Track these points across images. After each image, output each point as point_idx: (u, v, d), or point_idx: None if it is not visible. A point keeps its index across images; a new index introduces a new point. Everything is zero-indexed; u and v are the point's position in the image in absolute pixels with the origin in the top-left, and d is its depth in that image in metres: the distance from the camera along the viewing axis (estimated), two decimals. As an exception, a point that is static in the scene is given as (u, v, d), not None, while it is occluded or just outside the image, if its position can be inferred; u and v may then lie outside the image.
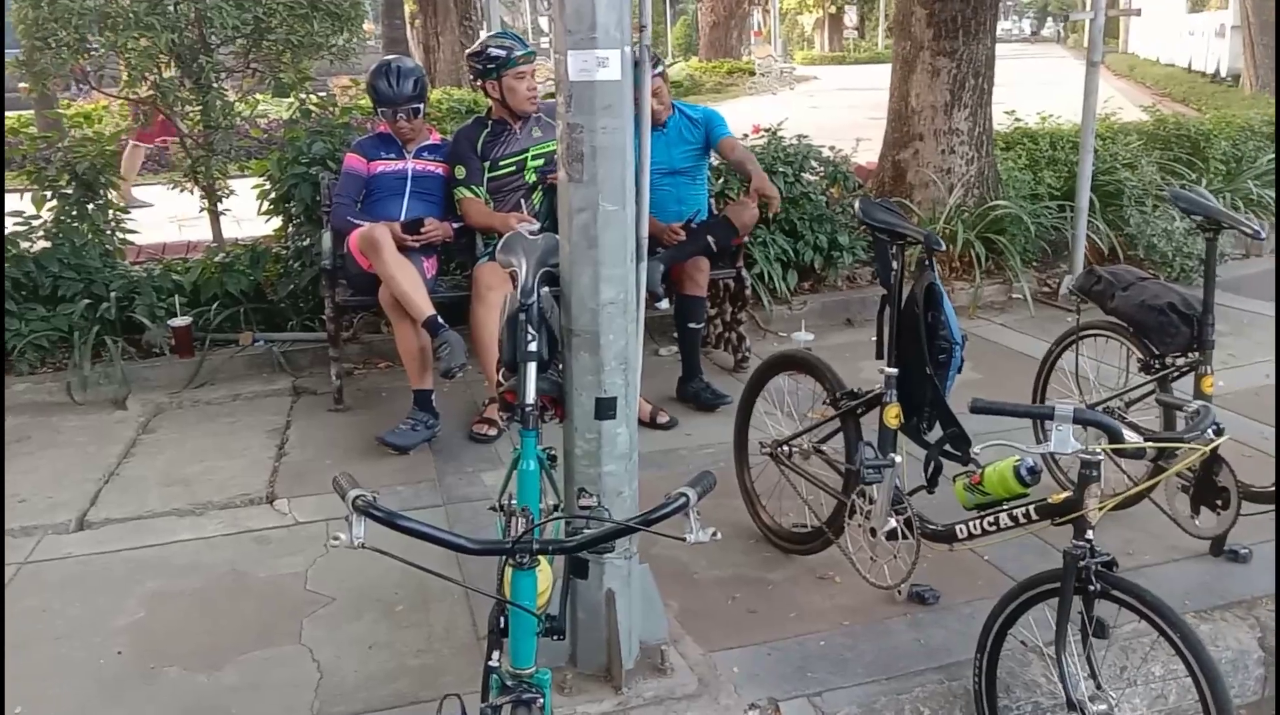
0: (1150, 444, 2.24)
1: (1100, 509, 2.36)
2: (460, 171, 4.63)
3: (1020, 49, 37.02)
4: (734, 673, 2.76)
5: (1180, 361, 3.28)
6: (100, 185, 5.52)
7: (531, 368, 2.51)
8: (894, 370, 2.95)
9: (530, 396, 2.51)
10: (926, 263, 2.86)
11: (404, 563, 1.80)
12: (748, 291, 5.10)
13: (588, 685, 2.65)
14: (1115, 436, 2.20)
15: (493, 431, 4.35)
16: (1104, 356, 3.71)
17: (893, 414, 2.93)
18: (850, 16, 38.05)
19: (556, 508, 2.75)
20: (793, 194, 5.83)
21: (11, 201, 5.46)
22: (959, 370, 2.96)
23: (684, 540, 1.80)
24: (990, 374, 5.11)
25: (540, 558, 2.00)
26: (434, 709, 2.14)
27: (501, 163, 4.59)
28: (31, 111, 6.48)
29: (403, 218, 4.52)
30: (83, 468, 4.20)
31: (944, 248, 2.88)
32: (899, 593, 3.06)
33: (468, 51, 4.74)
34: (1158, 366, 3.31)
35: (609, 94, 2.33)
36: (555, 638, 2.53)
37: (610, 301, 2.44)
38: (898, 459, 2.88)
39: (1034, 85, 15.60)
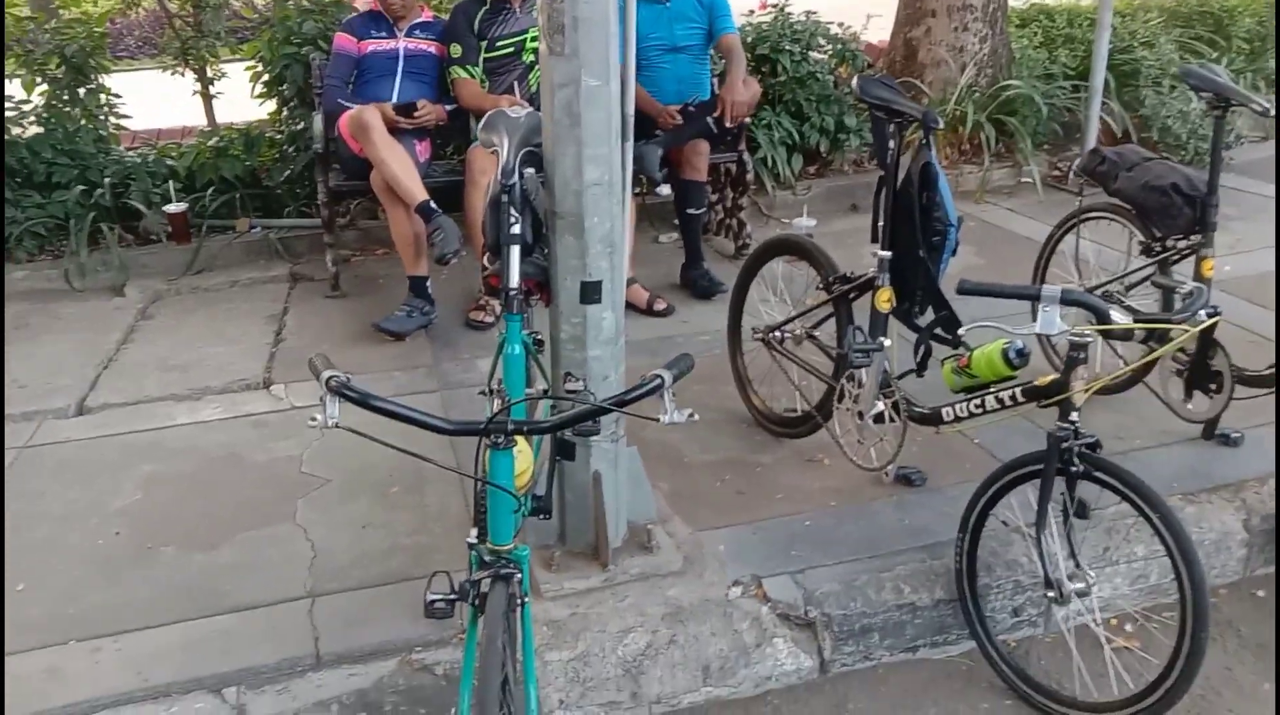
0: (1138, 325, 2.20)
1: (1086, 391, 2.35)
2: (455, 50, 4.50)
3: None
4: (720, 551, 2.80)
5: (1182, 244, 3.22)
6: (91, 69, 5.41)
7: (515, 251, 2.48)
8: (887, 253, 2.90)
9: (514, 280, 2.48)
10: (924, 141, 2.78)
11: (375, 441, 1.80)
12: (749, 176, 5.01)
13: (575, 563, 2.69)
14: (1103, 317, 2.18)
15: (489, 318, 4.34)
16: (1107, 240, 3.65)
17: (884, 298, 2.90)
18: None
19: (545, 392, 2.75)
20: (799, 73, 5.67)
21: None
22: (953, 253, 2.91)
23: (658, 421, 1.80)
24: (993, 259, 5.05)
25: (518, 439, 2.01)
26: (424, 585, 2.18)
27: (499, 43, 4.47)
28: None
29: (395, 99, 4.42)
30: (81, 353, 4.22)
31: (941, 125, 2.79)
32: (885, 475, 3.08)
33: None
34: (1158, 249, 3.26)
35: (590, -39, 2.23)
36: (542, 517, 2.58)
37: (595, 182, 2.39)
38: (886, 342, 2.86)
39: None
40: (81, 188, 5.09)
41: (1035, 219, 5.53)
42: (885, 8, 6.81)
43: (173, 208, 5.13)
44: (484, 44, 4.49)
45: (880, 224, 2.92)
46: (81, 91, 5.39)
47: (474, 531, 1.91)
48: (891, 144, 2.87)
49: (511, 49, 4.49)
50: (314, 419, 1.77)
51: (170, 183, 5.21)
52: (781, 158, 5.70)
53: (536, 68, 4.53)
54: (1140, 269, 3.36)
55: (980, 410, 2.61)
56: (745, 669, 2.56)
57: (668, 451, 3.33)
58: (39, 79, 5.30)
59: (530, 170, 2.50)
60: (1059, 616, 2.53)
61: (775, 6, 5.99)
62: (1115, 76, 6.06)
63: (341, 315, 4.55)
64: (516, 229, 2.44)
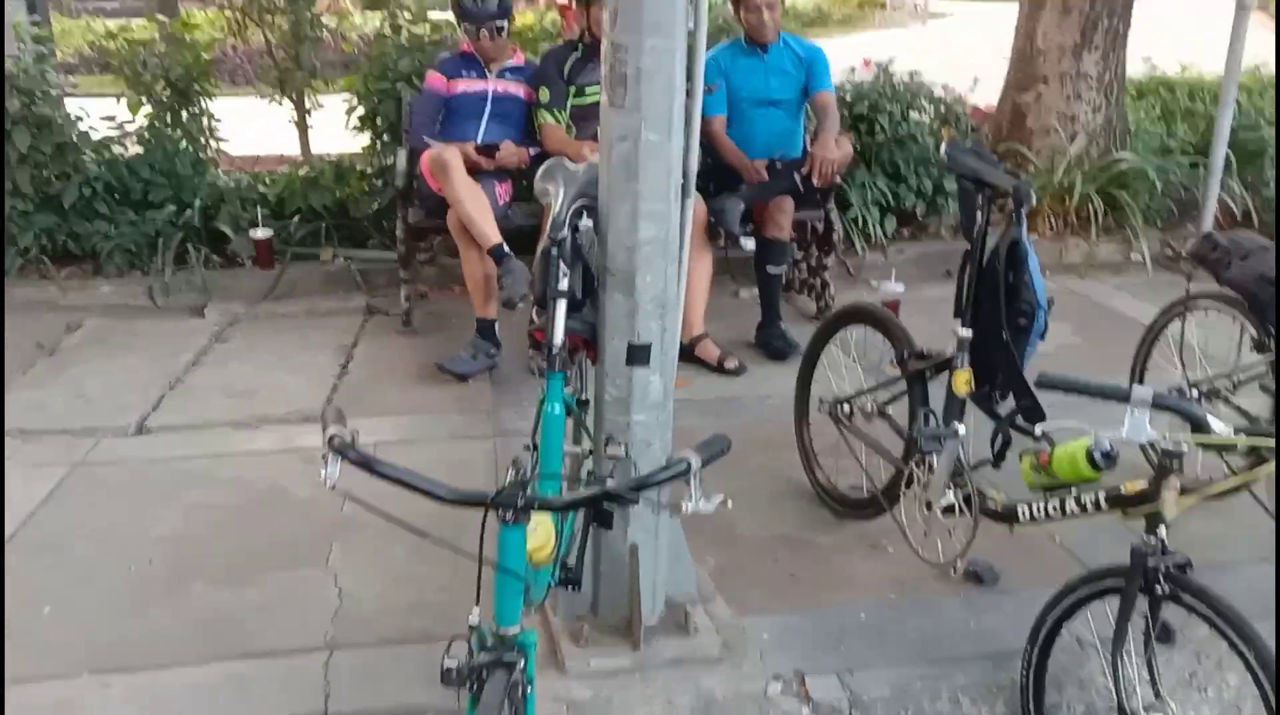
0: (1239, 439, 1.96)
1: (1180, 504, 2.11)
2: (544, 94, 4.47)
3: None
4: (763, 639, 2.61)
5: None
6: (195, 93, 5.54)
7: (561, 306, 2.36)
8: (967, 332, 2.70)
9: (558, 337, 2.36)
10: (1015, 216, 2.58)
11: (367, 507, 1.69)
12: (836, 236, 4.83)
13: (606, 639, 2.53)
14: (1199, 427, 1.95)
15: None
16: (1216, 330, 3.37)
17: (962, 380, 2.69)
18: (995, -49, 36.03)
19: (590, 454, 2.62)
20: (898, 134, 5.48)
21: (107, 105, 5.52)
22: (1042, 337, 2.70)
23: (682, 510, 1.65)
24: (1093, 339, 4.75)
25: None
26: (443, 647, 2.06)
27: (588, 89, 4.41)
28: (136, 20, 6.51)
29: (479, 139, 4.40)
30: (152, 372, 4.25)
31: (1034, 201, 2.59)
32: (954, 570, 2.84)
33: None
34: (1273, 346, 2.97)
35: (658, 10, 2.12)
36: (571, 588, 2.43)
37: (649, 240, 2.26)
38: (961, 429, 2.64)
39: (1191, 31, 14.50)
40: (173, 208, 5.18)
41: (1142, 299, 5.20)
42: (995, 71, 6.57)
43: (258, 233, 5.18)
44: (572, 90, 4.45)
45: (962, 301, 2.72)
46: (184, 114, 5.51)
47: (475, 611, 1.76)
48: (979, 216, 2.67)
49: (599, 96, 4.42)
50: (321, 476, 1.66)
51: (259, 208, 5.26)
52: (874, 218, 5.51)
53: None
54: (1251, 367, 3.08)
55: (1059, 513, 2.38)
56: (778, 774, 2.35)
57: (720, 523, 3.14)
58: (144, 100, 5.43)
59: (586, 222, 2.38)
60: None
61: (879, 65, 5.82)
62: (1237, 154, 5.71)
63: (410, 351, 4.51)
64: (564, 284, 2.32)
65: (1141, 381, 3.52)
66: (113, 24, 6.54)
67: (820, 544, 3.06)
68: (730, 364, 4.26)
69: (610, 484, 1.65)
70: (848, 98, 5.49)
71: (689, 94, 2.31)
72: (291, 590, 2.81)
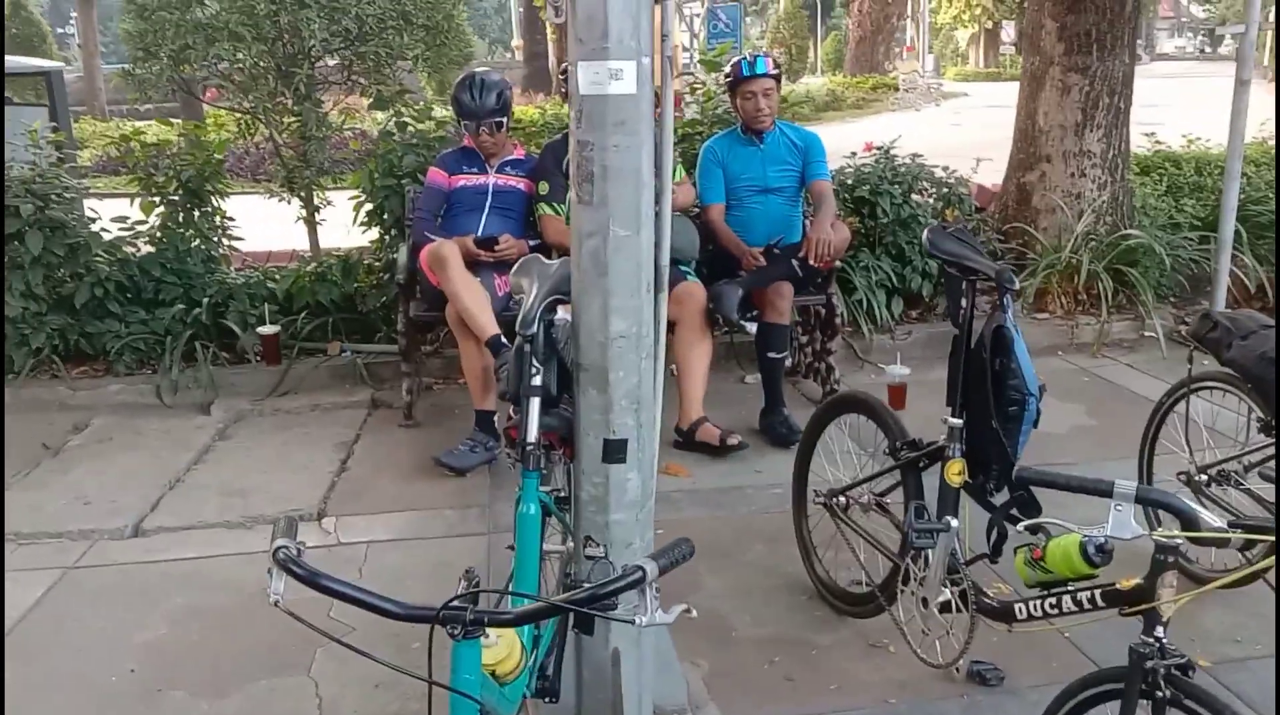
0: (1232, 533, 1.87)
1: (1176, 601, 2.01)
2: (544, 187, 4.51)
3: (1190, 68, 34.97)
4: (755, 750, 2.50)
5: (1312, 424, 2.84)
6: (207, 193, 5.64)
7: (534, 403, 2.33)
8: (958, 421, 2.63)
9: (532, 434, 2.32)
10: (999, 302, 2.53)
11: (312, 628, 1.63)
12: (838, 320, 4.79)
13: (589, 751, 2.43)
14: (1189, 523, 1.86)
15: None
16: (1226, 411, 3.27)
17: (955, 471, 2.61)
18: (1007, 32, 36.64)
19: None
20: (900, 216, 5.48)
21: (121, 207, 5.64)
22: (1034, 424, 2.62)
23: (632, 624, 1.57)
24: (1107, 420, 4.65)
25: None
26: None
27: None
28: (146, 123, 6.67)
29: (480, 232, 4.42)
30: (153, 472, 4.23)
31: (1017, 286, 2.54)
32: (957, 670, 2.73)
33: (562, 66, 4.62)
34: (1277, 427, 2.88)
35: (622, 109, 2.12)
36: (548, 700, 2.35)
37: (621, 335, 2.23)
38: (954, 523, 2.56)
39: (1194, 106, 14.58)
40: (182, 306, 5.23)
41: (1157, 377, 5.10)
42: (999, 152, 6.59)
43: (265, 330, 5.22)
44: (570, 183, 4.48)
45: (952, 388, 2.65)
46: (196, 214, 5.60)
47: (430, 730, 1.69)
48: (964, 302, 2.62)
49: None
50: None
51: (266, 305, 5.31)
52: (880, 301, 5.47)
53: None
54: (1260, 449, 2.98)
55: (1057, 610, 2.28)
56: None
57: (713, 623, 3.06)
58: (157, 201, 5.53)
59: (563, 317, 2.36)
60: None
61: (880, 149, 5.85)
62: (1247, 228, 5.65)
63: (411, 445, 4.48)
64: (537, 380, 2.29)
65: (1150, 465, 3.43)
66: (141, 125, 6.69)
67: (819, 644, 2.95)
68: (732, 441, 4.20)
69: (557, 598, 1.58)
70: (849, 181, 5.50)
71: (658, 190, 2.30)
72: (271, 701, 2.73)
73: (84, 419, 4.88)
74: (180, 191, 5.53)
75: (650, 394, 2.34)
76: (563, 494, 2.54)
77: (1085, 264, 5.47)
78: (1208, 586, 1.96)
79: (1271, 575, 2.87)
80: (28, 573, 3.42)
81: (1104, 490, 1.87)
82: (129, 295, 5.35)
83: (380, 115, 5.65)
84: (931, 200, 5.69)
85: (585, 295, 2.23)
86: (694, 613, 1.72)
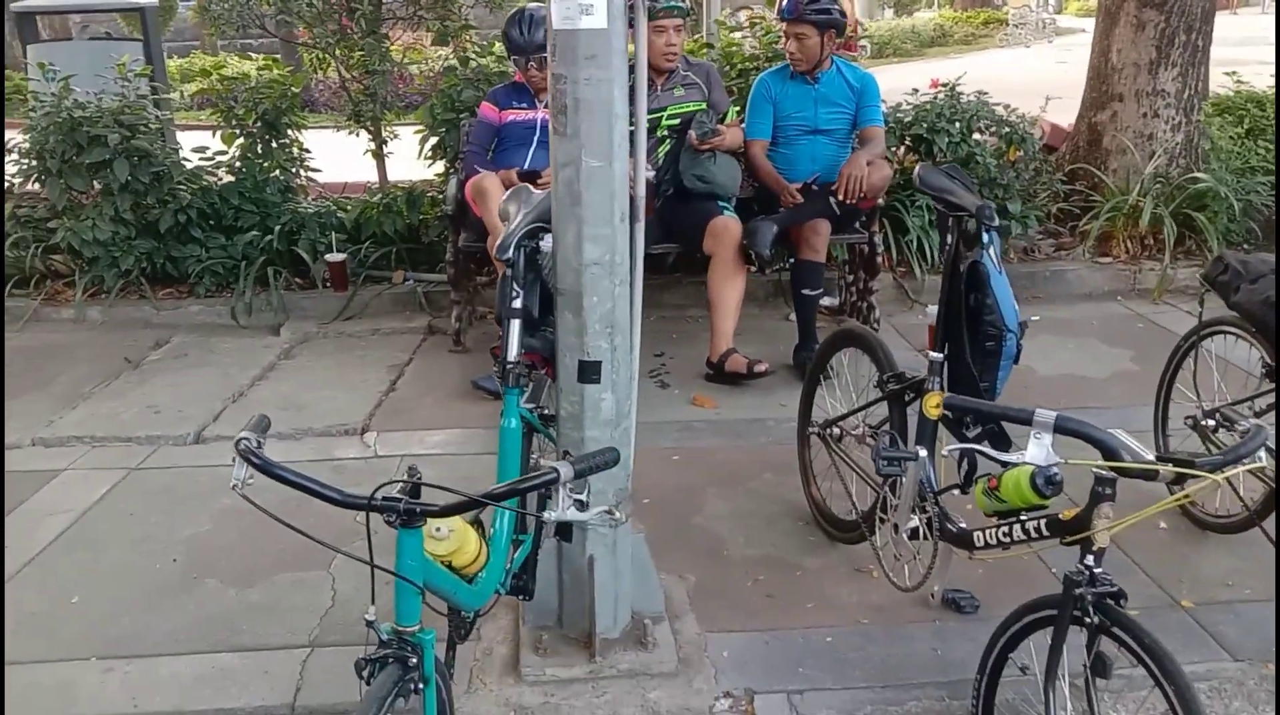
0: (1164, 467, 1.89)
1: (1112, 530, 2.05)
2: (591, 121, 4.61)
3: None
4: (723, 657, 2.64)
5: (1316, 370, 2.80)
6: (283, 125, 5.90)
7: (515, 325, 2.48)
8: (938, 355, 2.69)
9: (513, 353, 2.48)
10: (977, 238, 2.56)
11: (272, 517, 1.82)
12: (879, 259, 4.80)
13: (565, 648, 2.61)
14: (1109, 454, 1.91)
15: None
16: (1236, 354, 3.23)
17: (932, 403, 2.66)
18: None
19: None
20: (958, 154, 5.40)
21: (204, 138, 5.95)
22: (1014, 361, 2.65)
23: (543, 518, 1.72)
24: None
25: (455, 517, 1.98)
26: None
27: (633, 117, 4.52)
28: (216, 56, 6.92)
29: (526, 166, 4.56)
30: (220, 386, 4.55)
31: (996, 222, 2.55)
32: (932, 596, 2.81)
33: None
34: (1284, 373, 2.84)
35: (593, 43, 2.22)
36: (522, 598, 2.54)
37: (595, 262, 2.35)
38: (922, 452, 2.62)
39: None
40: (258, 233, 5.53)
41: (1215, 325, 4.97)
42: (1074, 90, 6.39)
43: (333, 257, 5.48)
44: (620, 117, 4.56)
45: (935, 325, 2.70)
46: (274, 145, 5.88)
47: (371, 609, 1.87)
48: (949, 238, 2.66)
49: (648, 125, 4.53)
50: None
51: (334, 234, 5.57)
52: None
53: (666, 141, 4.56)
54: (1264, 393, 2.95)
55: (1009, 539, 2.34)
56: (717, 789, 2.38)
57: (709, 541, 3.20)
58: (238, 132, 5.83)
59: (547, 244, 2.49)
60: (1064, 787, 2.20)
61: (945, 86, 5.75)
62: (1329, 172, 5.40)
63: (458, 369, 4.69)
64: (518, 303, 2.43)
65: (1166, 410, 3.40)
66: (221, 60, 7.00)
67: (806, 566, 3.07)
68: (759, 367, 4.28)
69: (477, 493, 1.73)
70: (906, 118, 5.44)
71: (633, 123, 2.39)
72: (291, 591, 2.99)
73: (165, 337, 5.24)
74: (258, 124, 5.81)
75: (625, 319, 2.46)
76: (549, 412, 2.70)
77: (1148, 207, 5.32)
78: (1141, 513, 1.99)
79: (1270, 521, 2.87)
80: (97, 472, 3.76)
81: (1025, 418, 1.93)
82: (210, 222, 5.67)
83: (444, 51, 5.78)
84: (994, 139, 5.58)
85: (561, 223, 2.36)
86: (617, 514, 1.87)
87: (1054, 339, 4.94)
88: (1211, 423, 3.09)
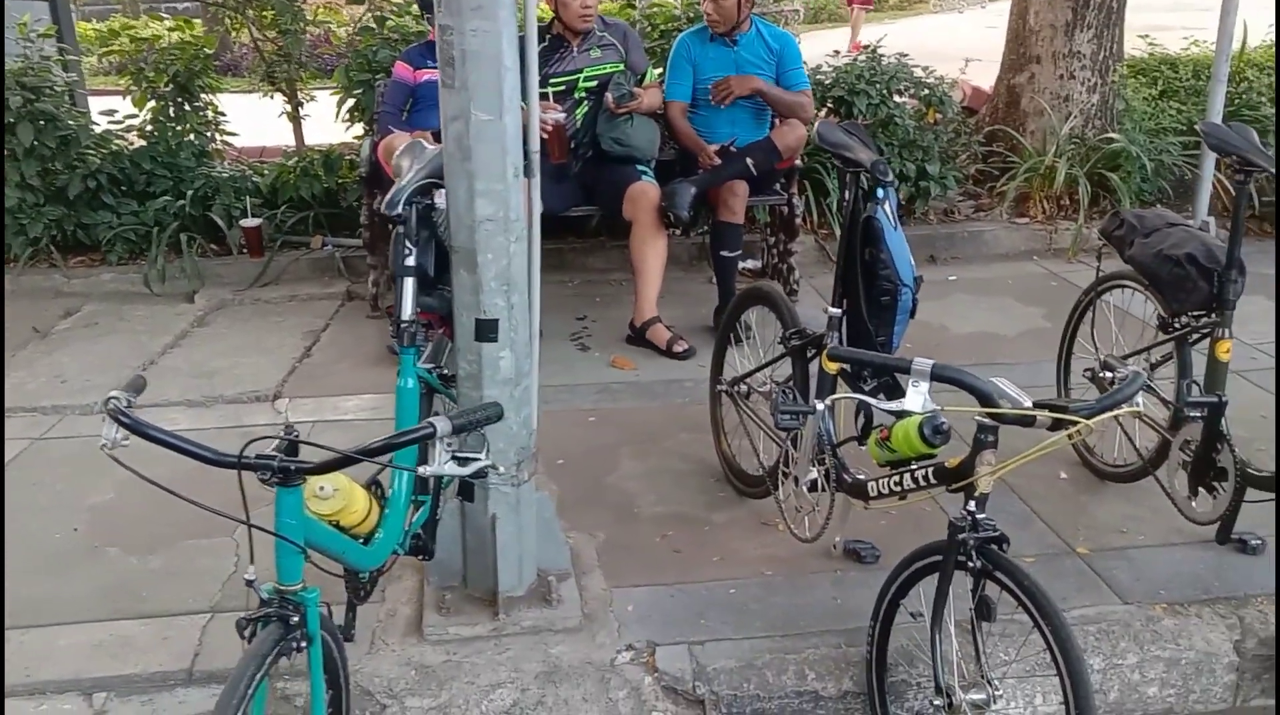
0: (1040, 412, 1.94)
1: (993, 475, 2.10)
2: (508, 82, 4.55)
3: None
4: (628, 611, 2.66)
5: (1202, 322, 2.87)
6: (197, 88, 5.75)
7: (409, 283, 2.45)
8: (836, 311, 2.71)
9: (406, 312, 2.46)
10: (871, 193, 2.58)
11: (140, 477, 1.79)
12: (798, 221, 4.82)
13: (469, 607, 2.61)
14: (986, 400, 1.94)
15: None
16: (1134, 308, 3.31)
17: (829, 358, 2.70)
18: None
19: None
20: (878, 116, 5.44)
21: (114, 102, 5.78)
22: (910, 314, 2.69)
23: (418, 472, 1.72)
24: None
25: (339, 476, 1.97)
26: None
27: (551, 79, 4.48)
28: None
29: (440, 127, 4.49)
30: (130, 355, 4.45)
31: (890, 178, 2.57)
32: (834, 547, 2.86)
33: None
34: (1175, 325, 2.92)
35: (479, -7, 2.19)
36: (421, 558, 2.53)
37: (488, 218, 2.33)
38: (819, 406, 2.65)
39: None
40: (170, 198, 5.40)
41: (1126, 283, 5.09)
42: (999, 54, 6.45)
43: (248, 222, 5.37)
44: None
45: (835, 280, 2.73)
46: (186, 108, 5.73)
47: (251, 568, 1.86)
48: (848, 194, 2.68)
49: (563, 87, 4.50)
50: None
51: (249, 198, 5.46)
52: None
53: (584, 103, 4.52)
54: (1158, 345, 3.03)
55: (900, 488, 2.38)
56: (618, 740, 2.41)
57: (620, 500, 3.22)
58: (149, 96, 5.66)
59: (442, 200, 2.47)
60: (950, 728, 2.26)
61: (867, 48, 5.78)
62: (1238, 133, 5.51)
63: (375, 334, 4.64)
64: (410, 261, 2.41)
65: (1068, 363, 3.48)
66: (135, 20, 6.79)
67: (714, 521, 3.10)
68: (679, 347, 4.30)
69: (349, 449, 1.72)
70: (826, 80, 5.46)
71: (525, 76, 2.37)
72: (194, 558, 2.95)
73: (76, 306, 5.11)
74: (170, 86, 5.65)
75: (523, 277, 2.44)
76: (450, 372, 2.68)
77: (1063, 168, 5.41)
78: (1010, 463, 2.04)
79: (1162, 471, 2.95)
80: (-1, 442, 3.67)
81: (903, 367, 1.95)
82: (123, 188, 5.52)
83: (360, 10, 5.67)
84: (915, 102, 5.63)
85: (453, 179, 2.33)
86: (501, 468, 1.87)
87: (969, 298, 5.02)
88: (1108, 375, 3.16)
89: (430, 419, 1.71)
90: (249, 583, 1.86)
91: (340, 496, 1.97)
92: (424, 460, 1.72)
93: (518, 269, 2.41)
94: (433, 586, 2.68)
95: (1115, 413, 1.93)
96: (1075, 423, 1.96)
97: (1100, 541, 2.98)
